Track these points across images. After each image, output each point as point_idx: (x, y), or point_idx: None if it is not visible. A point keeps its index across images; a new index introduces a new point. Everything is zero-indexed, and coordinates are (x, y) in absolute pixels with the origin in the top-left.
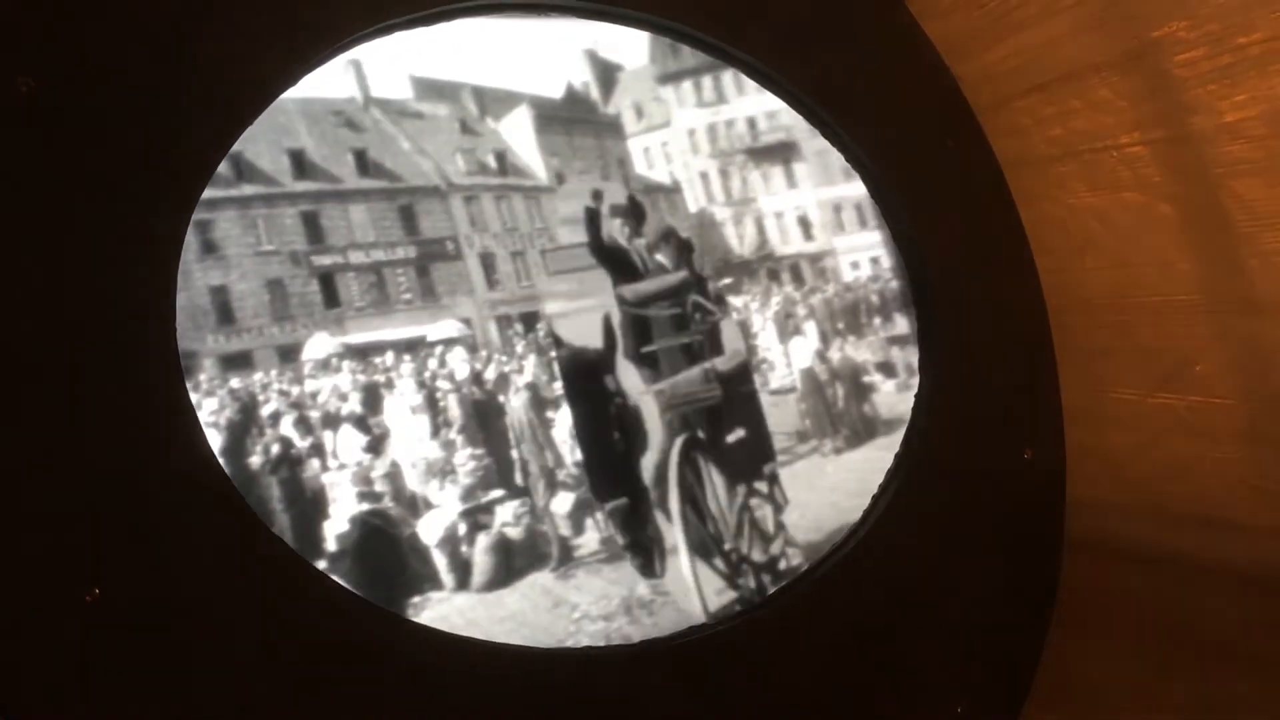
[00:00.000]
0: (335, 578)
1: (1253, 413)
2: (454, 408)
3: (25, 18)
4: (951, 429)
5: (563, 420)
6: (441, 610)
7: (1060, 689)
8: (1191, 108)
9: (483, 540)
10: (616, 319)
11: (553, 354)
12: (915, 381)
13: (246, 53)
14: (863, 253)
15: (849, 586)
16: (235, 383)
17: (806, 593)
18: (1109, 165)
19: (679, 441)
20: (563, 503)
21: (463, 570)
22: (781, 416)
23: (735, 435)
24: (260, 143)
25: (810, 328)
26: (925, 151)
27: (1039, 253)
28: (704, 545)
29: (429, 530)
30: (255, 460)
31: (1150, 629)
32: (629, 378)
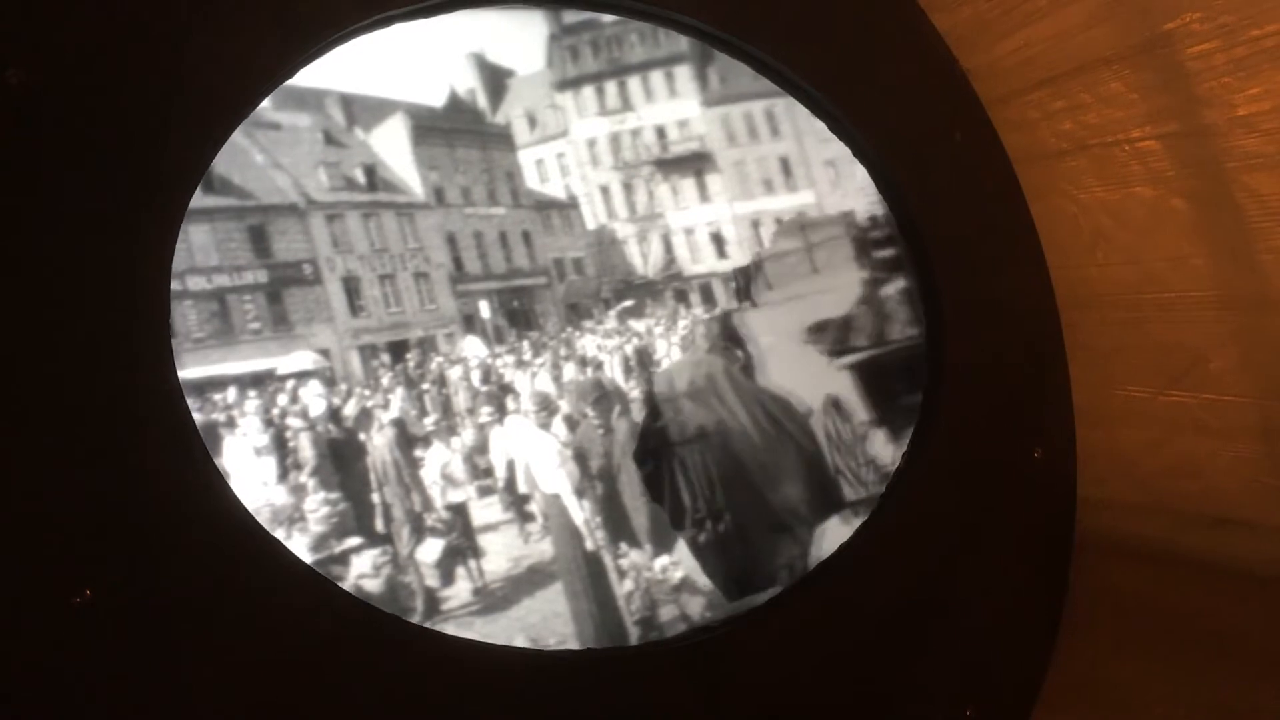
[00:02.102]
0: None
1: (1266, 410)
2: (306, 448)
3: (15, 8)
4: (960, 428)
5: (433, 459)
6: None
7: (1071, 690)
8: (1205, 101)
9: None
10: None
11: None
12: None
13: (243, 43)
14: None
15: (856, 587)
16: None
17: (813, 594)
18: (1120, 159)
19: None
20: (430, 550)
21: None
22: None
23: None
24: None
25: None
26: (933, 145)
27: (1049, 248)
28: None
29: None
30: None
31: (1162, 630)
32: None
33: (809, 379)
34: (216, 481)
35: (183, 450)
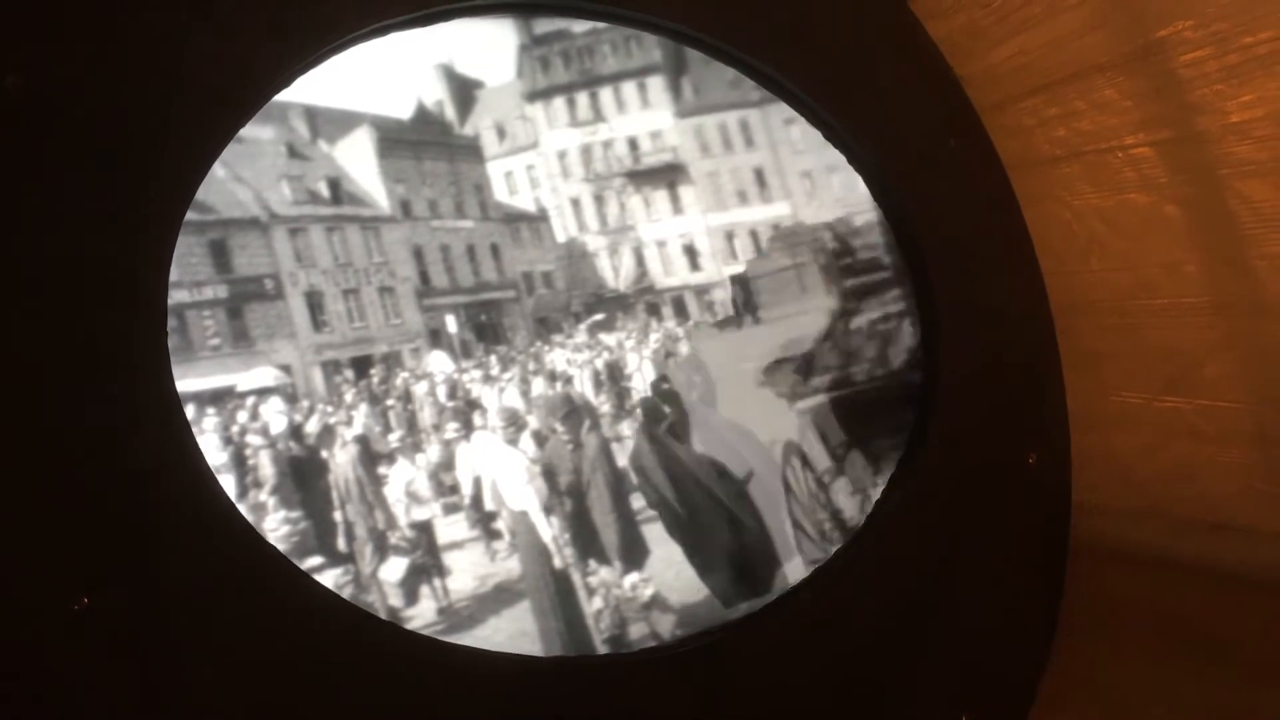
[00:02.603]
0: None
1: (1261, 415)
2: (266, 465)
3: (14, 15)
4: (954, 433)
5: (397, 476)
6: None
7: (1066, 695)
8: (1198, 108)
9: None
10: None
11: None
12: None
13: (240, 51)
14: None
15: (853, 593)
16: None
17: (810, 599)
18: (1114, 166)
19: None
20: (394, 569)
21: None
22: None
23: None
24: None
25: None
26: (928, 152)
27: (1043, 255)
28: None
29: None
30: None
31: (1158, 634)
32: None
33: (762, 424)
34: (213, 485)
35: (180, 453)
